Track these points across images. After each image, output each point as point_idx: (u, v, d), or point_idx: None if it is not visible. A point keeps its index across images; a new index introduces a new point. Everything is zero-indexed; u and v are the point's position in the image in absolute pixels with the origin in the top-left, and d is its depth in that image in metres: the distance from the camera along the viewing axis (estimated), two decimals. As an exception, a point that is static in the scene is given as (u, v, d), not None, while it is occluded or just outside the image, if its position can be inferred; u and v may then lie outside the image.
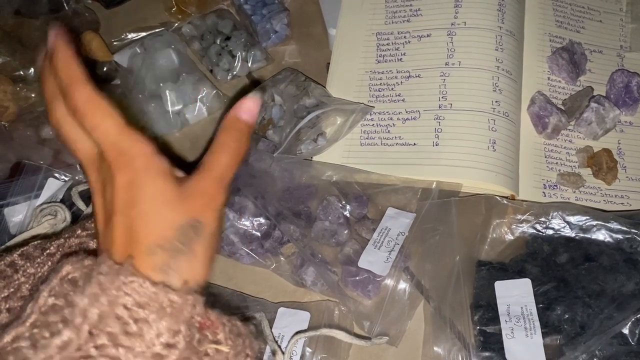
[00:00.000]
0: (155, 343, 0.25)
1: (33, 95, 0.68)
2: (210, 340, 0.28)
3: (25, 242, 0.37)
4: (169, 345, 0.26)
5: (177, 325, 0.26)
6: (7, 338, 0.26)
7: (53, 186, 0.59)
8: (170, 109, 0.68)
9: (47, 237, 0.39)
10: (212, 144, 0.34)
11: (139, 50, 0.71)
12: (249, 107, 0.34)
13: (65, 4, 0.74)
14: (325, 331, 0.49)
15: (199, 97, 0.69)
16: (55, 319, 0.25)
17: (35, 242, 0.37)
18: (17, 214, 0.57)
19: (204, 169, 0.33)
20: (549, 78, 0.67)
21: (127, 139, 0.30)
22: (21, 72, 0.68)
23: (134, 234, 0.29)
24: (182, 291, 0.28)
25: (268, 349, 0.51)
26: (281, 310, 0.53)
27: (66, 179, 0.60)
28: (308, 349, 0.51)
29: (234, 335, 0.29)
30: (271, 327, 0.52)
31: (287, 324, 0.52)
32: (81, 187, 0.58)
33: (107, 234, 0.30)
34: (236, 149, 0.33)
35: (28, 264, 0.35)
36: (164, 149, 0.32)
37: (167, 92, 0.68)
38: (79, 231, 0.37)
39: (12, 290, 0.33)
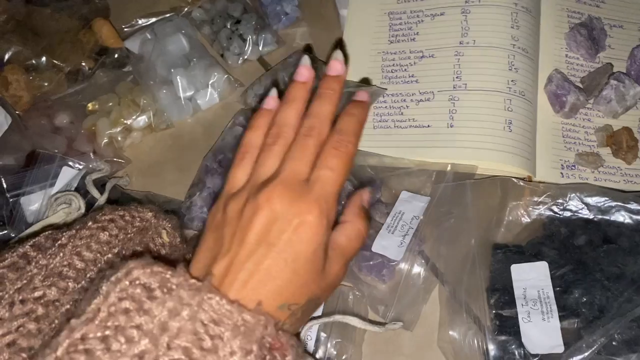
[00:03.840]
0: None
1: (46, 83, 0.68)
2: None
3: (37, 233, 0.37)
4: None
5: (250, 345, 0.27)
6: (77, 334, 0.26)
7: (67, 174, 0.59)
8: (181, 94, 0.68)
9: (58, 228, 0.39)
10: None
11: (149, 36, 0.71)
12: None
13: (75, -9, 0.73)
14: (338, 318, 0.49)
15: (210, 82, 0.68)
16: (129, 324, 0.26)
17: (47, 233, 0.37)
18: (33, 203, 0.58)
19: None
20: (566, 55, 0.65)
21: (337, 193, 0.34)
22: (33, 62, 0.68)
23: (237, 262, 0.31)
24: (255, 311, 0.28)
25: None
26: (295, 295, 0.53)
27: (80, 167, 0.60)
28: (322, 334, 0.51)
29: (301, 359, 0.29)
30: (285, 313, 0.52)
31: (302, 309, 0.52)
32: (95, 175, 0.59)
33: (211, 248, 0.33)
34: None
35: (40, 255, 0.35)
36: None
37: (178, 78, 0.67)
38: (90, 223, 0.37)
39: (25, 281, 0.33)
